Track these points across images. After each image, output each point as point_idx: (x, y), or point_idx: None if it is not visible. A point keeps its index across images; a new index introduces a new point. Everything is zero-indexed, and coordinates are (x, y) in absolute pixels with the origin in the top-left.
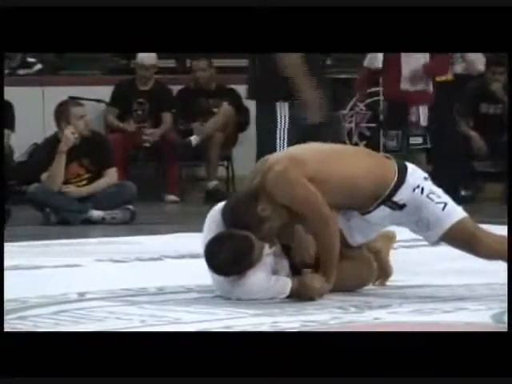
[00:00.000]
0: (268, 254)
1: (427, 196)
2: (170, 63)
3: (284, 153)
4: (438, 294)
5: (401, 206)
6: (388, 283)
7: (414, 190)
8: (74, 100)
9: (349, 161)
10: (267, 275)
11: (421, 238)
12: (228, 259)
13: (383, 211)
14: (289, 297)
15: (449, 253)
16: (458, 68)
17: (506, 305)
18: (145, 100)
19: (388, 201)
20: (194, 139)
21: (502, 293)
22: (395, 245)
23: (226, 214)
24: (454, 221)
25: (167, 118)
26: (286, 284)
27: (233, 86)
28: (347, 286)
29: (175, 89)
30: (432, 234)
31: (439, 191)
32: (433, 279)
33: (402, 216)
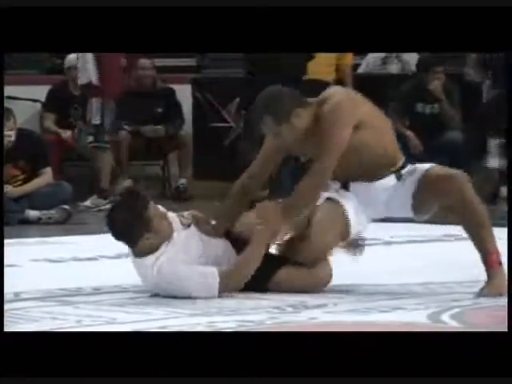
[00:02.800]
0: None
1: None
2: None
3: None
4: (374, 293)
5: (402, 178)
6: None
7: None
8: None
9: (386, 122)
10: (191, 264)
11: (358, 238)
12: (121, 217)
13: (389, 181)
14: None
15: (385, 252)
16: (394, 68)
17: (442, 304)
18: (79, 105)
19: (398, 172)
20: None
21: (438, 292)
22: None
23: None
24: (430, 165)
25: None
26: (212, 273)
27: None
28: (303, 287)
29: None
30: (411, 179)
31: None
32: (369, 278)
33: (398, 188)
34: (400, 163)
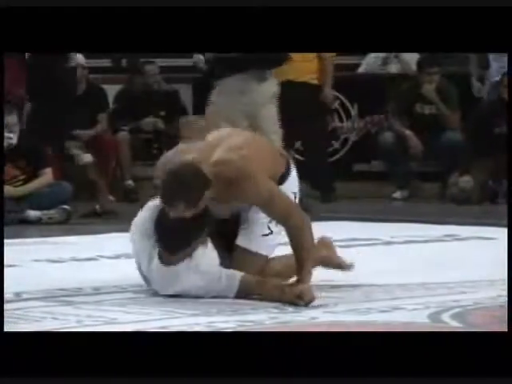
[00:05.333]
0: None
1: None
2: (106, 63)
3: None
4: (374, 293)
5: None
6: (324, 282)
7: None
8: (7, 106)
9: (264, 157)
10: (217, 265)
11: (357, 237)
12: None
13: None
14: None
15: (385, 252)
16: (393, 68)
17: (442, 304)
18: (80, 106)
19: None
20: None
21: (439, 292)
22: None
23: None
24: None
25: (102, 118)
26: (233, 277)
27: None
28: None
29: (110, 88)
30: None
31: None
32: (369, 278)
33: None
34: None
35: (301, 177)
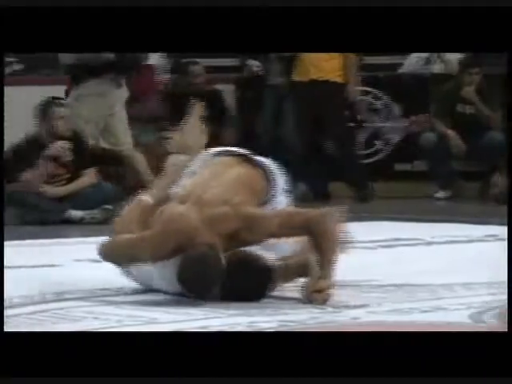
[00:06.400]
0: None
1: None
2: None
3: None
4: (417, 293)
5: None
6: (366, 283)
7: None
8: (57, 99)
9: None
10: None
11: (400, 237)
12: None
13: None
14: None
15: (428, 252)
16: (436, 68)
17: (484, 304)
18: None
19: None
20: None
21: (481, 292)
22: (373, 244)
23: None
24: None
25: None
26: None
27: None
28: None
29: None
30: None
31: None
32: (411, 278)
33: None
34: None
35: (332, 176)
